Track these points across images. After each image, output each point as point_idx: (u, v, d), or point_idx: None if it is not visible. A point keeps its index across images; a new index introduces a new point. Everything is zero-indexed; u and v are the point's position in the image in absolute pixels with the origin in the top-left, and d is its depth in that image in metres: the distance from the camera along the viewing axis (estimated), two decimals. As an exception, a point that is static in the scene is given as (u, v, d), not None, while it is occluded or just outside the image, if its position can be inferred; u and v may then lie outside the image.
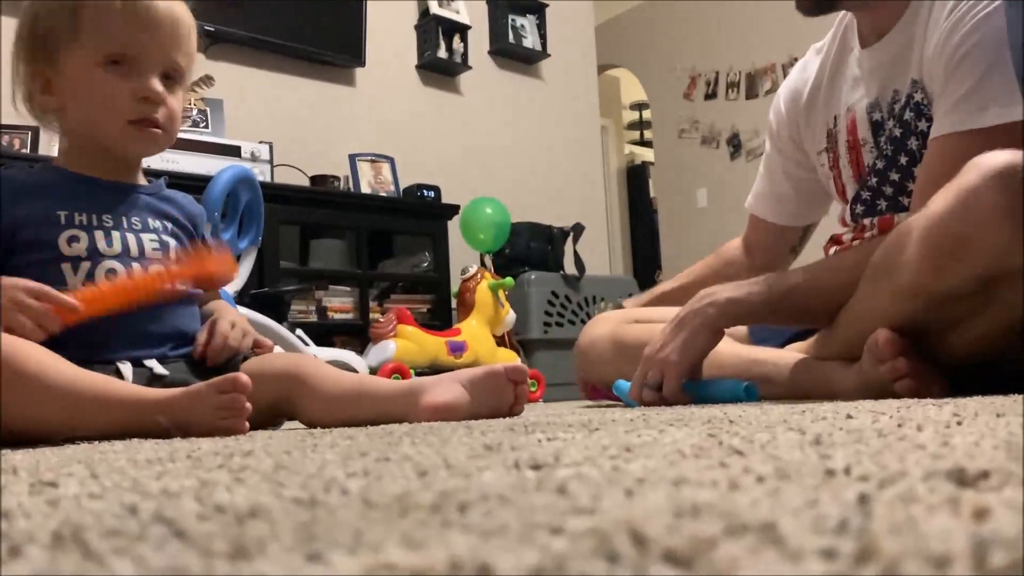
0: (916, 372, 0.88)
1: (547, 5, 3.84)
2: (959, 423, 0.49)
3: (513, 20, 3.74)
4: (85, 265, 0.96)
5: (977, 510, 0.20)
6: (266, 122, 3.00)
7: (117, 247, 0.99)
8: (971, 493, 0.23)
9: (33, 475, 0.38)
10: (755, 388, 1.08)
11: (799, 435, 0.47)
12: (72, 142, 1.04)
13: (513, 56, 3.79)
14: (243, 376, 0.80)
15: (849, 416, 0.61)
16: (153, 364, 0.96)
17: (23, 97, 1.02)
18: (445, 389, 0.92)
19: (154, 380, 0.94)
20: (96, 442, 0.77)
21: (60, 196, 0.98)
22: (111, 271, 0.97)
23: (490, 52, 3.74)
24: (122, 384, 0.85)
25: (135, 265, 0.99)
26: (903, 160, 1.13)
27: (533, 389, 2.59)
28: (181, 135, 2.61)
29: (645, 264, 6.27)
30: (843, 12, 1.26)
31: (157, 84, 0.99)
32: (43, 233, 0.96)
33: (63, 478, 0.35)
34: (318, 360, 1.03)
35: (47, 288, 0.88)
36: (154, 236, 1.03)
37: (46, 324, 0.87)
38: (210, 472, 0.36)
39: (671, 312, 1.21)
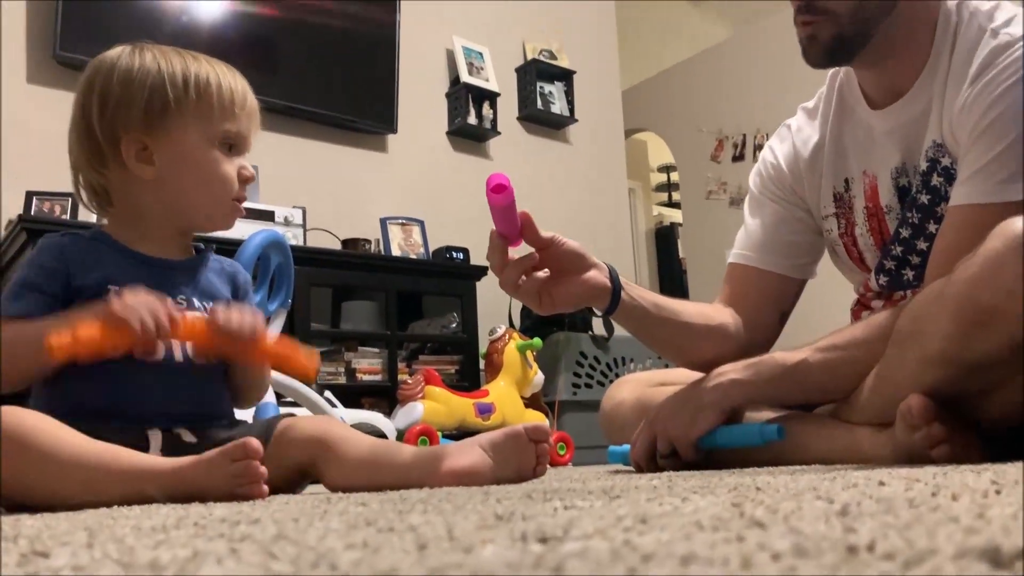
0: (953, 438, 0.84)
1: (574, 72, 3.92)
2: (998, 492, 0.46)
3: (541, 87, 3.81)
4: None
5: (1006, 596, 0.18)
6: (300, 187, 3.06)
7: None
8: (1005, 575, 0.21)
9: (31, 543, 0.37)
10: (783, 428, 1.05)
11: (826, 504, 0.44)
12: (139, 214, 1.03)
13: (541, 121, 3.85)
14: (253, 441, 0.79)
15: (882, 483, 0.58)
16: (182, 431, 0.96)
17: (95, 163, 1.01)
18: (466, 453, 0.91)
19: (180, 447, 0.94)
20: (116, 506, 0.76)
21: (114, 270, 0.99)
22: None
23: (519, 118, 3.80)
24: (132, 454, 0.84)
25: (176, 345, 0.99)
26: (932, 228, 1.09)
27: (562, 453, 2.54)
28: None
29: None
30: (835, 70, 1.23)
31: (250, 166, 1.07)
32: (94, 305, 0.96)
33: (58, 548, 0.35)
34: (344, 425, 1.02)
35: (163, 300, 0.91)
36: (199, 313, 1.03)
37: (160, 325, 0.89)
38: (210, 541, 0.35)
39: (694, 374, 1.19)
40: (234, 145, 1.05)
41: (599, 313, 1.14)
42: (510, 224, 1.03)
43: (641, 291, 1.16)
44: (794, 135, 1.28)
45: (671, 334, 1.19)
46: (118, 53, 1.03)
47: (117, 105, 1.00)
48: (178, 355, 1.00)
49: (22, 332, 0.92)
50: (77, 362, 0.94)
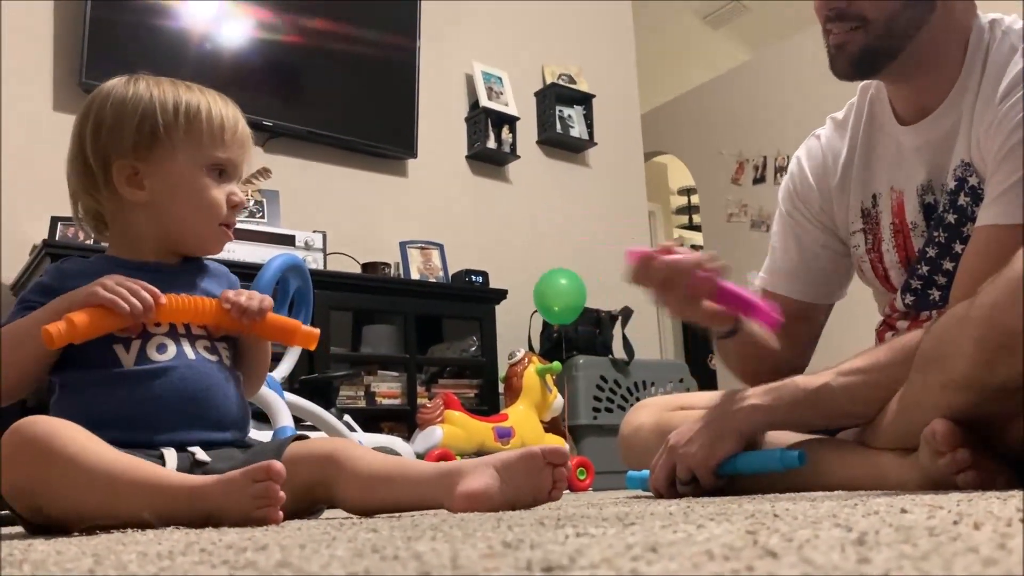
0: (979, 463, 0.82)
1: (593, 96, 3.93)
2: (1023, 520, 0.45)
3: (560, 111, 3.83)
4: (136, 343, 0.99)
5: (1018, 633, 0.17)
6: (320, 212, 3.08)
7: (165, 325, 1.01)
8: (1018, 609, 0.20)
9: (36, 569, 0.37)
10: (804, 454, 1.03)
11: (844, 532, 0.43)
12: (131, 234, 1.07)
13: (560, 145, 3.87)
14: (276, 463, 0.79)
15: (904, 511, 0.57)
16: (196, 450, 0.97)
17: (90, 187, 1.05)
18: (478, 475, 0.89)
19: (196, 466, 0.94)
20: (129, 530, 0.76)
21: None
22: (162, 346, 1.00)
23: (538, 142, 3.82)
24: (158, 469, 0.85)
25: (186, 345, 1.01)
26: (958, 248, 1.08)
27: (582, 478, 2.52)
28: (238, 225, 2.70)
29: (696, 348, 6.17)
30: (866, 83, 1.22)
31: (241, 193, 1.09)
32: (78, 293, 0.97)
33: (60, 574, 0.34)
34: (355, 443, 1.02)
35: (139, 280, 0.97)
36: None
37: (142, 299, 0.94)
38: (213, 569, 0.35)
39: (715, 398, 1.18)
40: (224, 171, 1.07)
41: (722, 333, 1.19)
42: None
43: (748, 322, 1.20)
44: (823, 147, 1.28)
45: (750, 359, 1.24)
46: (114, 83, 1.07)
47: (110, 131, 1.04)
48: (190, 354, 1.01)
49: (16, 331, 0.96)
50: (82, 363, 0.97)
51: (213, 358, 1.04)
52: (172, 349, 1.01)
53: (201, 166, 1.05)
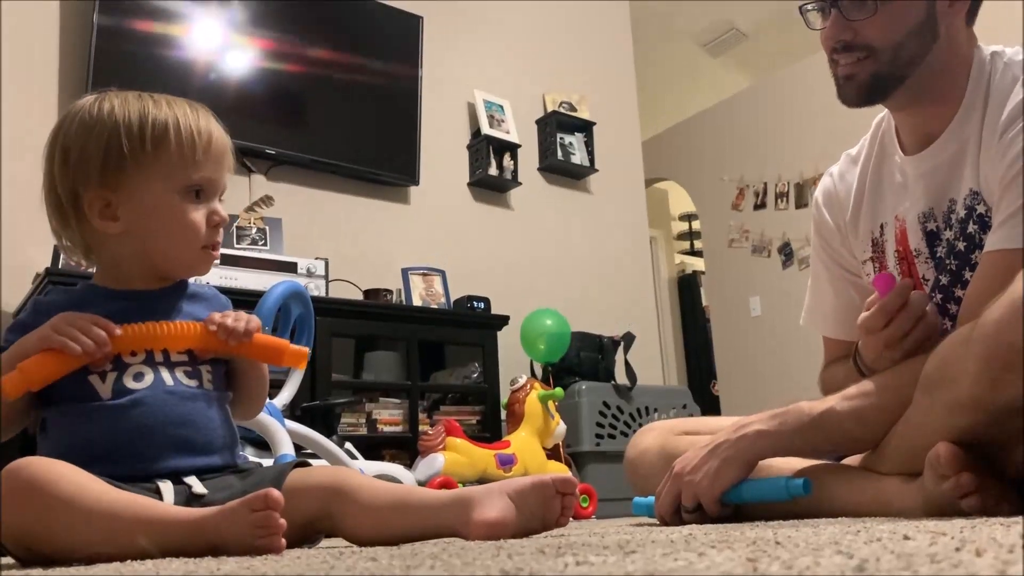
0: (983, 488, 0.82)
1: (594, 123, 3.95)
2: (1025, 548, 0.45)
3: (562, 138, 3.85)
4: (112, 375, 0.96)
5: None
6: (322, 239, 3.09)
7: (142, 353, 0.98)
8: (1015, 637, 0.20)
9: (33, 599, 0.37)
10: (809, 482, 1.03)
11: (845, 559, 0.43)
12: (115, 263, 1.03)
13: (562, 172, 3.88)
14: (274, 492, 0.78)
15: (906, 537, 0.56)
16: (192, 482, 0.95)
17: (63, 220, 1.01)
18: (495, 503, 0.88)
19: (193, 499, 0.93)
20: (129, 561, 0.76)
21: (94, 310, 0.97)
22: (138, 375, 0.97)
23: (539, 168, 3.84)
24: (156, 504, 0.84)
25: (164, 372, 0.99)
26: (968, 275, 1.08)
27: (585, 504, 2.50)
28: (241, 253, 2.71)
29: (699, 374, 6.16)
30: (880, 118, 1.25)
31: (223, 209, 1.04)
32: (33, 336, 0.94)
33: (57, 603, 0.34)
34: (356, 472, 1.01)
35: (92, 316, 0.94)
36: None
37: (94, 336, 0.91)
38: (210, 598, 0.35)
39: (721, 423, 1.18)
40: (202, 190, 1.01)
41: None
42: None
43: None
44: (836, 183, 1.31)
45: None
46: (81, 105, 1.01)
47: (76, 163, 0.98)
48: (168, 380, 0.98)
49: None
50: (51, 401, 0.95)
51: (193, 383, 1.01)
52: (149, 377, 0.97)
53: (174, 191, 0.99)
